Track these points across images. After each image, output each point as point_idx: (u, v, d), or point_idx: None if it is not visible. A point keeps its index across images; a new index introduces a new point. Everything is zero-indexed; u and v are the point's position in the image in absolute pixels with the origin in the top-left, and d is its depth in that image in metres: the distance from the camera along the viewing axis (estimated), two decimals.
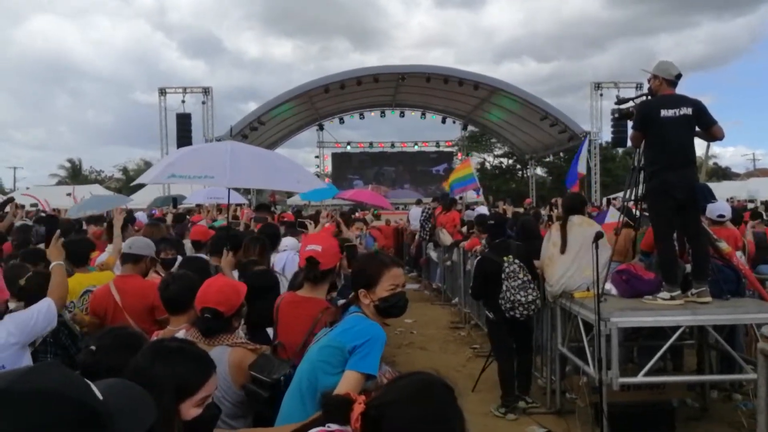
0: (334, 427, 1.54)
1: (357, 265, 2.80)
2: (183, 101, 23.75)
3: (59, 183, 42.35)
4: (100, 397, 1.10)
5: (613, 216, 7.65)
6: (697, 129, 4.99)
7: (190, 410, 1.78)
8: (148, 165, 46.00)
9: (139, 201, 19.79)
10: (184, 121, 23.13)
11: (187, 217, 11.66)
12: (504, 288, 5.76)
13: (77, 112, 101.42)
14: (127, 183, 44.97)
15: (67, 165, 49.14)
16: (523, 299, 5.68)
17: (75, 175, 47.21)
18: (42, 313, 3.03)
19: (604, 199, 20.75)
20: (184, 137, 23.03)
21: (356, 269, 2.73)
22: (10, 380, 1.03)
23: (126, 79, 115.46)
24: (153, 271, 4.70)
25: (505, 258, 5.87)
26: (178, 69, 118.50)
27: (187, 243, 6.59)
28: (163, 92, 24.01)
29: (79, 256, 4.76)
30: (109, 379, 1.27)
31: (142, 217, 10.97)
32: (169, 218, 10.29)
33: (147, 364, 1.80)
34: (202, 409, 1.81)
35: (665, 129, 4.90)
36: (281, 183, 5.24)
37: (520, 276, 5.77)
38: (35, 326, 3.01)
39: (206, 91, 24.11)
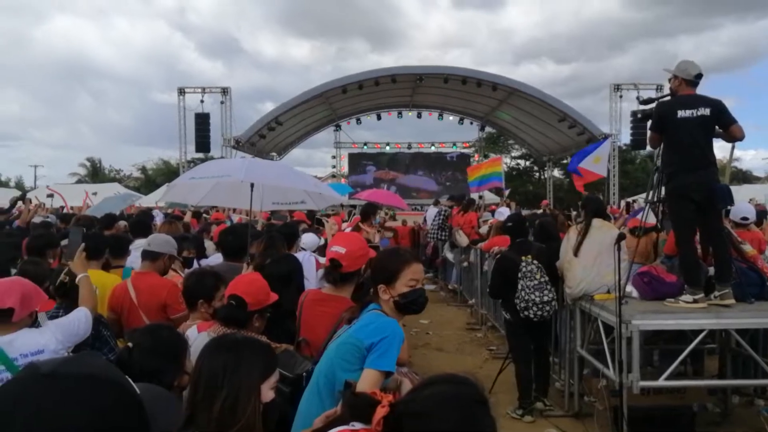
0: (358, 426, 1.52)
1: (376, 261, 2.75)
2: (202, 101, 23.94)
3: (79, 181, 42.83)
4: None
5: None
6: (718, 130, 4.91)
7: (268, 392, 1.89)
8: (166, 164, 46.46)
9: (156, 200, 19.92)
10: (202, 121, 23.33)
11: (204, 216, 11.66)
12: (519, 287, 5.70)
13: (97, 112, 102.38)
14: (146, 182, 45.45)
15: (87, 164, 49.76)
16: (537, 299, 5.62)
17: (95, 173, 47.78)
18: (82, 322, 3.18)
19: (623, 202, 20.54)
20: (202, 137, 23.24)
21: (376, 265, 2.69)
22: (55, 365, 1.00)
23: (145, 79, 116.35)
24: (172, 269, 4.70)
25: (523, 258, 5.82)
26: (196, 69, 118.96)
27: (210, 244, 6.57)
28: (182, 92, 24.20)
29: (92, 251, 4.79)
30: (139, 383, 1.26)
31: (160, 216, 11.03)
32: (187, 216, 10.33)
33: (230, 351, 1.91)
34: (274, 393, 1.94)
35: (682, 130, 4.82)
36: (298, 182, 5.37)
37: (537, 277, 5.71)
38: (77, 334, 3.16)
39: (225, 91, 24.25)
